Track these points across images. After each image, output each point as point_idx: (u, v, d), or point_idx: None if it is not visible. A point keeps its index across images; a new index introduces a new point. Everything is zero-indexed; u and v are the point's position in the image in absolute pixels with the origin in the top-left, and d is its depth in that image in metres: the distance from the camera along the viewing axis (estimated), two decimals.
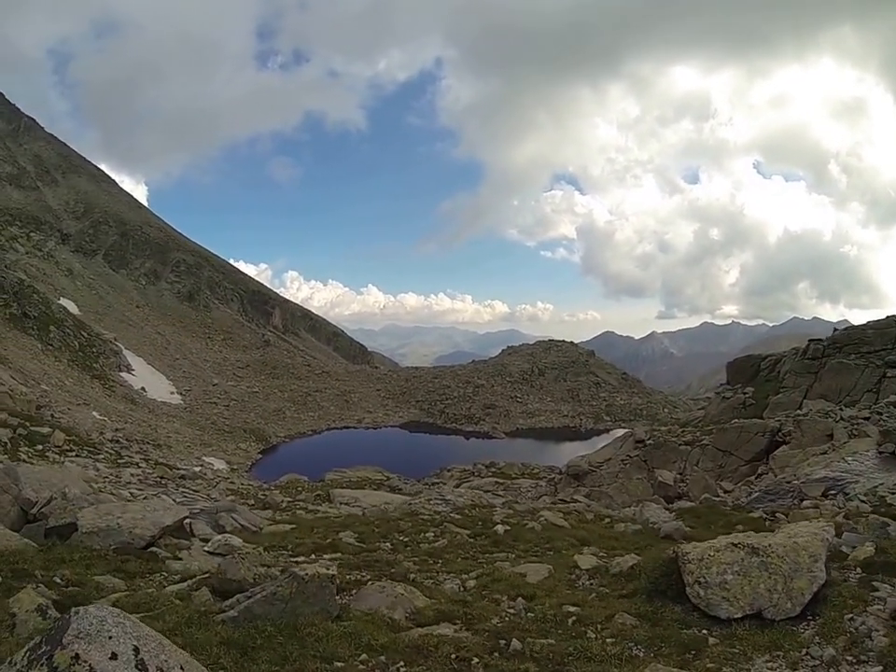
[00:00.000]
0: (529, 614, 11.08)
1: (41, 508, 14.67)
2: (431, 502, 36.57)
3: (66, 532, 13.71)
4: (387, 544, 19.61)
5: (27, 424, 48.78)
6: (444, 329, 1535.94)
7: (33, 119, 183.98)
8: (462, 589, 13.44)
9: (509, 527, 22.30)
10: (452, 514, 27.18)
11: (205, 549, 15.43)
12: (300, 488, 53.42)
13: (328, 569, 10.35)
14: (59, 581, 10.52)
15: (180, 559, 14.06)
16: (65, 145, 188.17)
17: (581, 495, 39.60)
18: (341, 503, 45.60)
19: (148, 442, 68.27)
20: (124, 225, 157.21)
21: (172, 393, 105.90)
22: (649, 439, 48.12)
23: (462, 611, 10.98)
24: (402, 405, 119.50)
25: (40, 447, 44.95)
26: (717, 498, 28.65)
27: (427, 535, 21.27)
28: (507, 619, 10.89)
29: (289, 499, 46.61)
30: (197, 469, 60.94)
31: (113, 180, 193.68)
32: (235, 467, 74.64)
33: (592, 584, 13.22)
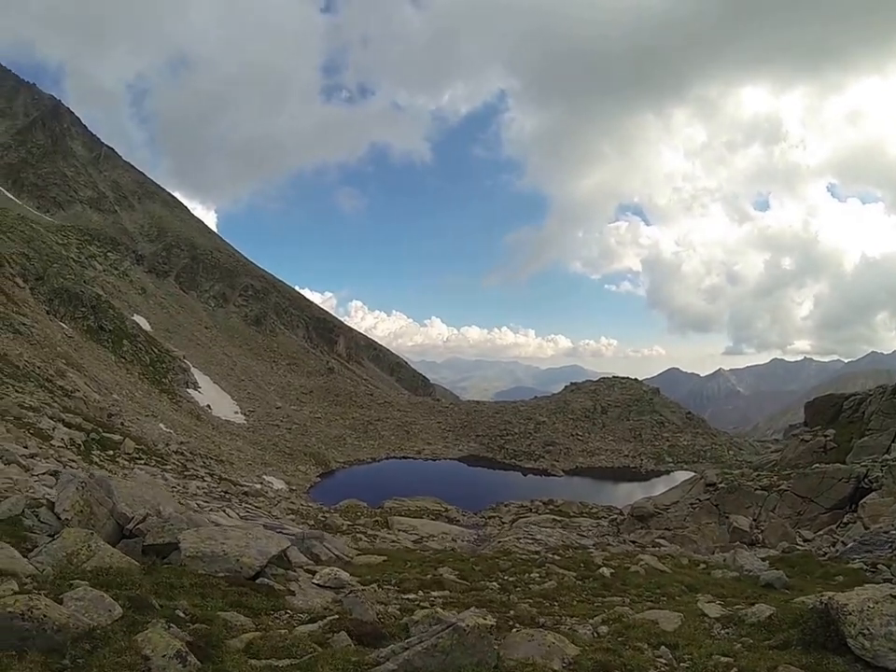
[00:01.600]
0: (682, 664, 10.90)
1: (137, 524, 14.35)
2: (522, 541, 36.19)
3: (164, 552, 13.44)
4: (494, 583, 19.40)
5: (100, 430, 50.04)
6: (506, 364, 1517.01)
7: (112, 148, 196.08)
8: (596, 635, 13.05)
9: (613, 570, 21.92)
10: (549, 555, 26.75)
11: (314, 581, 15.10)
12: (359, 513, 53.65)
13: (484, 619, 9.82)
14: (181, 614, 9.82)
15: (292, 592, 13.61)
16: (141, 172, 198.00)
17: (653, 538, 38.73)
18: (399, 530, 45.59)
19: (211, 457, 69.49)
20: (195, 249, 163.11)
21: (236, 412, 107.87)
22: (721, 482, 45.34)
23: (617, 661, 10.53)
24: (462, 438, 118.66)
25: (111, 452, 46.25)
26: (800, 547, 27.64)
27: (531, 575, 21.05)
28: (662, 669, 10.67)
29: (349, 523, 46.80)
30: (257, 486, 61.63)
31: (185, 206, 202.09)
32: (294, 488, 75.35)
33: (729, 633, 12.88)
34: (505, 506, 63.12)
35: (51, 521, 13.90)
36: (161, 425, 77.81)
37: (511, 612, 14.54)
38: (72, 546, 11.52)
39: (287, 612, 12.10)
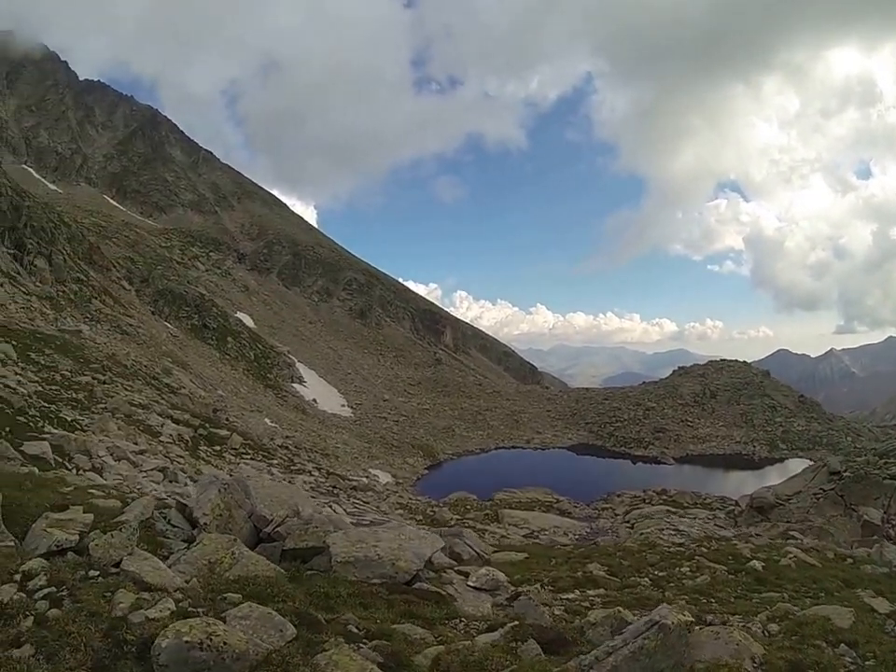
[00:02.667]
0: (867, 662, 10.19)
1: (276, 527, 13.62)
2: (665, 532, 34.91)
3: (306, 556, 12.70)
4: (645, 579, 18.62)
5: (207, 425, 50.66)
6: (612, 350, 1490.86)
7: (209, 151, 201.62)
8: (767, 634, 12.33)
9: (763, 563, 20.82)
10: (695, 546, 25.53)
11: (470, 584, 14.10)
12: (468, 506, 52.70)
13: (683, 614, 9.00)
14: (355, 629, 9.15)
15: (453, 597, 12.69)
16: (239, 173, 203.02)
17: (780, 531, 36.39)
18: (509, 524, 44.42)
19: (317, 451, 69.54)
20: (296, 245, 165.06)
21: (342, 406, 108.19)
22: (845, 471, 41.55)
23: (808, 660, 9.92)
24: (571, 426, 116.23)
25: (218, 447, 46.65)
26: None
27: (682, 569, 20.18)
28: (850, 668, 10.01)
29: (458, 517, 45.93)
30: (364, 480, 61.11)
31: (284, 204, 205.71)
32: (401, 480, 74.80)
33: None
34: (617, 496, 60.91)
35: (182, 524, 13.45)
36: (267, 419, 78.39)
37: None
38: (213, 553, 10.93)
39: (461, 620, 11.23)
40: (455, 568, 14.89)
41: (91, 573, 9.08)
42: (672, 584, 17.79)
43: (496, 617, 11.40)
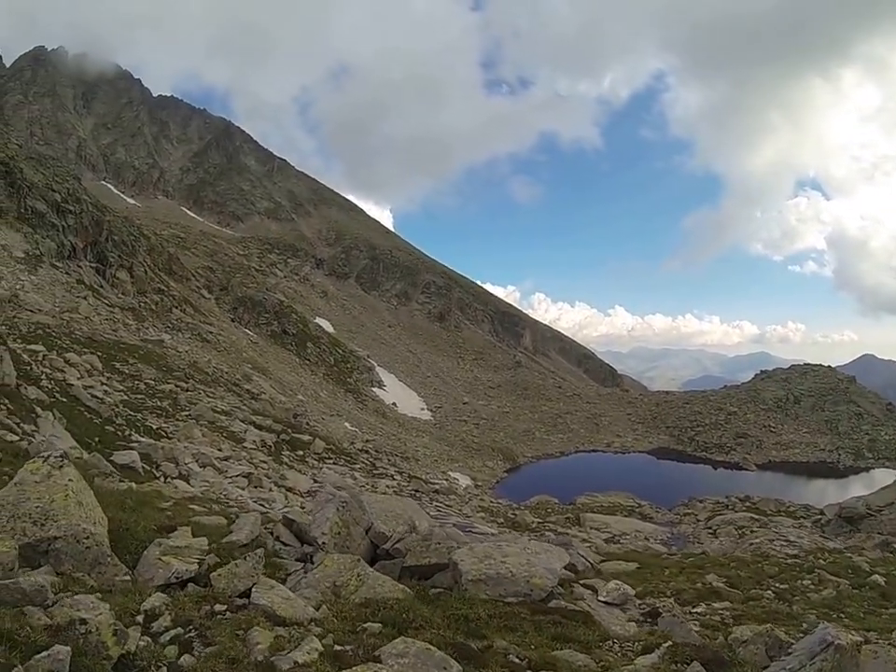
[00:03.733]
0: None
1: (395, 543, 12.83)
2: (776, 542, 33.53)
3: (427, 573, 11.90)
4: (768, 592, 17.58)
5: (289, 430, 50.59)
6: (692, 352, 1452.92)
7: (284, 159, 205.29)
8: None
9: (884, 577, 19.83)
10: (812, 558, 24.46)
11: (601, 599, 13.02)
12: (549, 510, 52.07)
13: (852, 634, 8.27)
14: (516, 659, 8.34)
15: (591, 616, 11.31)
16: (314, 180, 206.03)
17: (874, 542, 34.63)
18: (591, 528, 43.75)
19: (397, 455, 69.16)
20: (374, 249, 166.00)
21: (422, 409, 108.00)
22: None
23: None
24: (652, 430, 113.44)
25: (301, 452, 46.57)
26: None
27: (803, 582, 19.25)
28: None
29: (539, 520, 45.20)
30: (444, 482, 60.53)
31: (360, 209, 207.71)
32: (480, 483, 74.00)
33: None
34: (699, 502, 58.91)
35: (291, 541, 12.93)
36: (347, 424, 78.30)
37: (804, 626, 12.36)
38: (336, 575, 10.28)
39: (614, 642, 10.19)
40: (581, 582, 13.72)
41: (218, 608, 8.33)
42: (797, 598, 16.81)
43: (647, 637, 10.28)
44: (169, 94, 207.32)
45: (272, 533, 13.09)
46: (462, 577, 10.88)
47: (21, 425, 22.94)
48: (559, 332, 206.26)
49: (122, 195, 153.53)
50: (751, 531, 41.05)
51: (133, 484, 17.78)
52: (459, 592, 10.75)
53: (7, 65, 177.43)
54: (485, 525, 34.68)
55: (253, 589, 8.82)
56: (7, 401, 24.55)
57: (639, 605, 13.31)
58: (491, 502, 55.50)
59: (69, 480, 8.69)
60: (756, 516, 47.78)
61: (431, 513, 39.37)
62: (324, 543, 11.95)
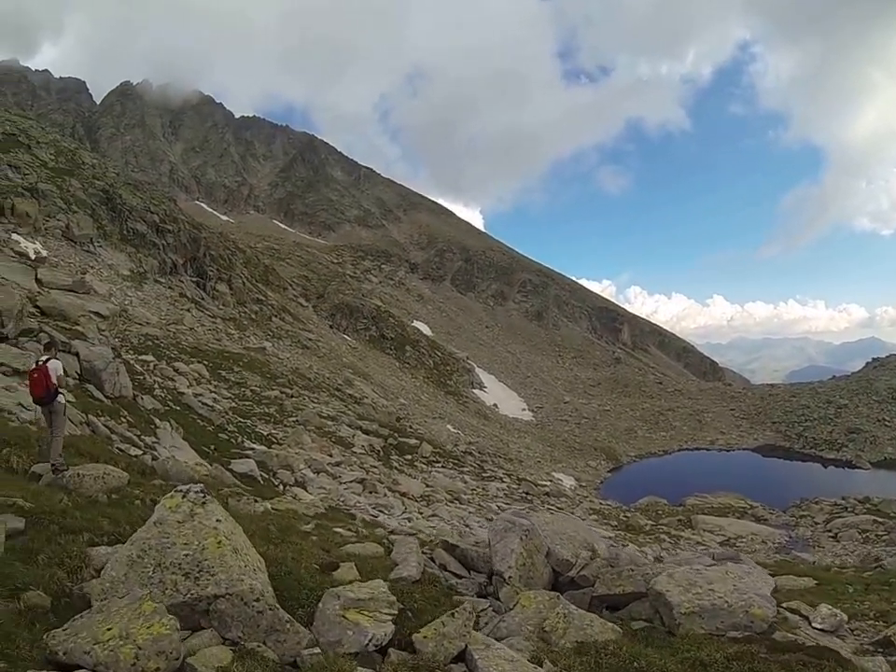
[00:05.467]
0: None
1: (580, 570, 11.62)
2: None
3: (619, 603, 10.67)
4: None
5: (396, 435, 50.70)
6: (795, 341, 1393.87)
7: (370, 167, 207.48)
8: None
9: None
10: None
11: (815, 626, 11.31)
12: (660, 511, 50.93)
13: None
14: None
15: (840, 654, 9.33)
16: (402, 185, 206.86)
17: None
18: (704, 531, 42.71)
19: (500, 456, 68.41)
20: (467, 251, 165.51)
21: (523, 409, 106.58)
22: None
23: None
24: (757, 426, 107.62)
25: (409, 457, 46.36)
26: None
27: None
28: None
29: (652, 523, 44.27)
30: (546, 483, 59.55)
31: (450, 211, 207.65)
32: (584, 484, 72.38)
33: None
34: (814, 503, 55.83)
35: (458, 569, 12.09)
36: (449, 426, 77.67)
37: None
38: (536, 615, 9.09)
39: None
40: (783, 605, 11.93)
41: None
42: None
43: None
44: (251, 115, 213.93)
45: (433, 560, 12.13)
46: (673, 610, 9.41)
47: (143, 437, 22.96)
48: (657, 326, 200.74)
49: (216, 212, 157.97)
50: (876, 535, 38.83)
51: (268, 504, 17.08)
52: (669, 627, 9.40)
53: (98, 102, 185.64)
54: (601, 529, 33.52)
55: (469, 652, 7.44)
56: (126, 413, 24.62)
57: (853, 631, 11.66)
58: (602, 504, 54.25)
59: (217, 520, 7.59)
60: (880, 519, 45.00)
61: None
62: (510, 577, 10.87)
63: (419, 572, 10.69)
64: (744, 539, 40.39)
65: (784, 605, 11.48)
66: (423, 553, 12.07)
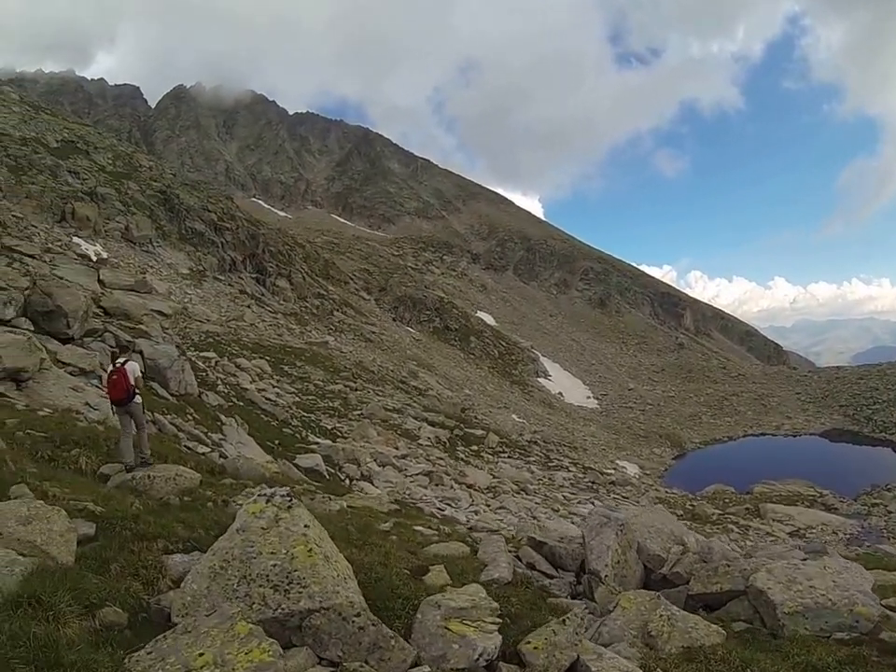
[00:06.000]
0: None
1: (672, 567, 10.95)
2: None
3: (716, 602, 9.83)
4: None
5: (462, 426, 50.24)
6: (861, 321, 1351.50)
7: (426, 159, 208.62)
8: None
9: None
10: None
11: None
12: (727, 500, 49.45)
13: None
14: None
15: None
16: (460, 176, 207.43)
17: None
18: (773, 520, 41.32)
19: (565, 445, 67.59)
20: (528, 240, 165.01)
21: (588, 397, 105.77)
22: None
23: None
24: (824, 410, 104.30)
25: (475, 447, 45.87)
26: None
27: None
28: None
29: (719, 512, 43.31)
30: (610, 471, 58.87)
31: (509, 200, 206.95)
32: (648, 472, 71.18)
33: None
34: (887, 490, 53.72)
35: (545, 567, 11.34)
36: (514, 416, 77.34)
37: None
38: (638, 618, 8.28)
39: None
40: (882, 602, 10.89)
41: None
42: None
43: None
44: (304, 111, 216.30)
45: (519, 558, 11.35)
46: (776, 610, 8.56)
47: (209, 434, 22.87)
48: (719, 310, 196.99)
49: (273, 209, 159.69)
50: None
51: (343, 502, 16.43)
52: (771, 628, 8.58)
53: (153, 107, 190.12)
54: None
55: (583, 663, 6.65)
56: (192, 410, 24.67)
57: None
58: (666, 492, 53.19)
59: (304, 526, 6.79)
60: None
61: (611, 506, 37.90)
62: (606, 576, 10.27)
63: (510, 573, 10.05)
64: (814, 530, 38.95)
65: (883, 602, 10.53)
66: (508, 551, 11.41)
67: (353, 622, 6.02)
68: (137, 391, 13.52)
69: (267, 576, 6.24)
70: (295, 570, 6.30)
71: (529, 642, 6.72)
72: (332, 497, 17.43)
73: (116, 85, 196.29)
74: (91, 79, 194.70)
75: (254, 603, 6.08)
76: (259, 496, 7.22)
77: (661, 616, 7.98)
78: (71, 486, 9.88)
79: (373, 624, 6.05)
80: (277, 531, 6.61)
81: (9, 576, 5.97)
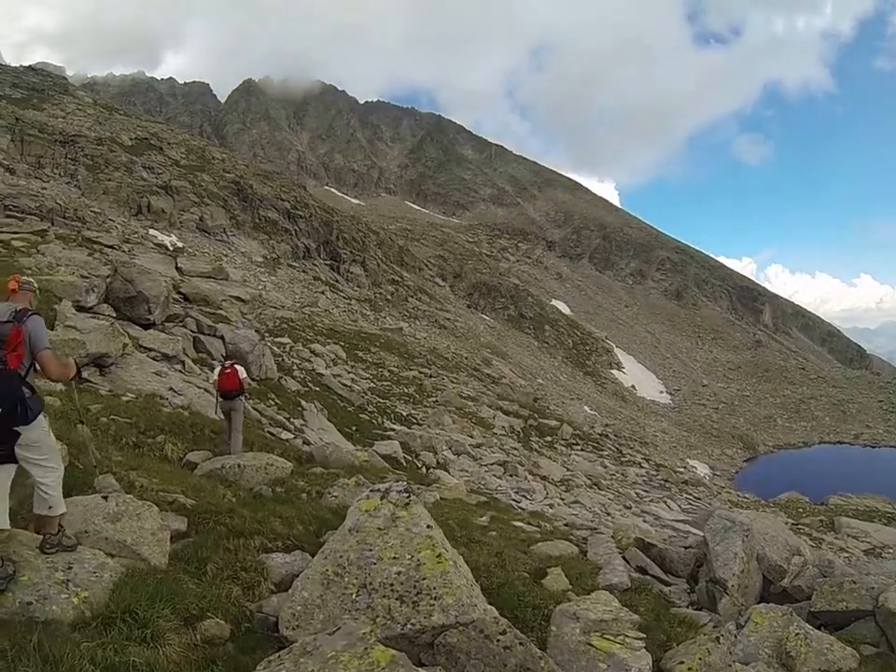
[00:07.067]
0: None
1: (793, 579, 10.18)
2: None
3: (841, 622, 8.94)
4: None
5: (536, 416, 50.06)
6: None
7: (500, 145, 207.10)
8: None
9: None
10: None
11: None
12: (800, 510, 47.41)
13: None
14: None
15: None
16: (535, 162, 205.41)
17: None
18: (848, 535, 39.65)
19: (636, 440, 66.81)
20: (604, 228, 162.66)
21: (661, 392, 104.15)
22: None
23: None
24: None
25: (549, 438, 45.66)
26: None
27: None
28: None
29: (792, 521, 41.71)
30: (681, 469, 58.29)
31: (585, 187, 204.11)
32: (718, 473, 69.82)
33: None
34: None
35: (656, 572, 10.92)
36: (586, 407, 76.69)
37: None
38: (770, 635, 7.55)
39: None
40: None
41: None
42: None
43: None
44: (375, 99, 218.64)
45: (626, 561, 10.86)
46: None
47: (291, 420, 22.88)
48: (800, 307, 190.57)
49: (346, 196, 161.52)
50: None
51: (437, 494, 16.03)
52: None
53: (222, 101, 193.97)
54: None
55: None
56: (274, 396, 24.75)
57: None
58: (738, 495, 51.82)
59: (427, 526, 6.11)
60: None
61: (683, 506, 37.27)
62: (732, 586, 9.58)
63: (628, 578, 9.64)
64: (891, 550, 36.64)
65: None
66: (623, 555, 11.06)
67: (497, 640, 5.31)
68: (244, 391, 14.31)
69: (391, 585, 5.60)
70: (423, 579, 5.63)
71: (682, 662, 6.17)
72: (421, 487, 17.14)
73: (185, 83, 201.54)
74: (161, 79, 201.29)
75: (377, 616, 5.45)
76: (372, 491, 6.68)
77: (796, 634, 7.36)
78: (158, 475, 9.57)
79: (521, 643, 5.32)
80: (397, 532, 6.00)
81: (98, 582, 5.51)
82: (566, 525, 17.90)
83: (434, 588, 5.56)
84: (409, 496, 6.46)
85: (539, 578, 8.48)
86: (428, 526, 6.12)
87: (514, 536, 12.23)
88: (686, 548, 11.35)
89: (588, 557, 10.49)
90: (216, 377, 14.21)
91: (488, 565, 8.13)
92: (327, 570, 5.85)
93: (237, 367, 14.16)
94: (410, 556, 5.77)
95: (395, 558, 5.76)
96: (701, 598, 9.81)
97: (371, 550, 5.85)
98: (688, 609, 9.38)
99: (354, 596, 5.59)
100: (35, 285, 6.10)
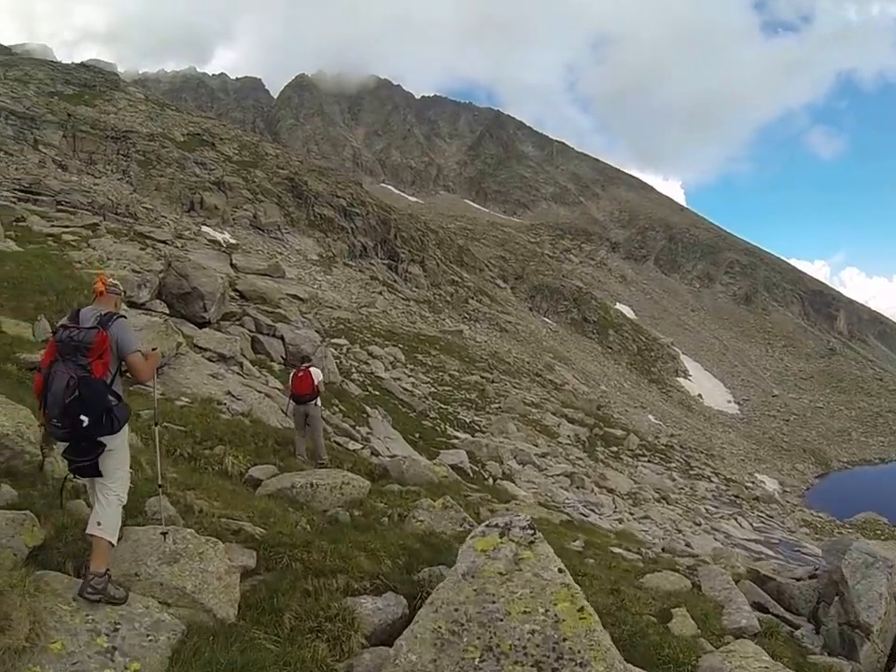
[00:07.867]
0: None
1: None
2: None
3: None
4: None
5: (601, 424, 48.90)
6: None
7: (562, 142, 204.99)
8: None
9: None
10: None
11: None
12: (878, 531, 44.92)
13: None
14: None
15: None
16: (597, 160, 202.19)
17: None
18: None
19: (702, 451, 65.07)
20: (670, 229, 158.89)
21: (729, 402, 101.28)
22: None
23: None
24: None
25: (615, 449, 44.65)
26: None
27: None
28: None
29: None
30: (750, 484, 56.05)
31: (650, 186, 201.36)
32: (788, 489, 67.31)
33: None
34: None
35: (778, 611, 9.61)
36: (650, 416, 74.76)
37: None
38: None
39: None
40: None
41: None
42: None
43: None
44: (432, 94, 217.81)
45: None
46: None
47: (357, 428, 21.99)
48: (878, 313, 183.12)
49: (403, 194, 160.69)
50: None
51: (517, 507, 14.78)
52: None
53: (275, 97, 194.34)
54: (812, 546, 30.27)
55: None
56: (337, 401, 23.71)
57: None
58: (812, 514, 49.33)
59: (559, 571, 4.85)
60: None
61: (755, 524, 35.50)
62: (875, 631, 8.23)
63: (756, 620, 8.49)
64: None
65: None
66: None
67: None
68: (319, 395, 13.99)
69: (524, 648, 4.42)
70: (564, 639, 4.45)
71: None
72: (497, 502, 15.84)
73: (237, 79, 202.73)
74: (212, 75, 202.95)
75: None
76: (488, 526, 5.35)
77: None
78: (220, 497, 8.24)
79: None
80: (523, 579, 4.83)
81: (152, 649, 4.41)
82: (663, 550, 16.30)
83: (579, 651, 4.44)
84: (534, 532, 5.24)
85: (665, 620, 7.30)
86: (560, 570, 4.98)
87: (616, 565, 11.21)
88: (797, 580, 10.14)
89: (703, 592, 9.35)
90: (288, 383, 14.08)
91: (608, 606, 6.64)
92: (439, 627, 4.69)
93: (312, 369, 13.81)
94: (544, 610, 4.65)
95: (526, 613, 4.62)
96: (831, 642, 8.69)
97: (493, 602, 4.72)
98: (824, 656, 8.24)
99: (477, 662, 4.47)
100: (122, 287, 5.89)
